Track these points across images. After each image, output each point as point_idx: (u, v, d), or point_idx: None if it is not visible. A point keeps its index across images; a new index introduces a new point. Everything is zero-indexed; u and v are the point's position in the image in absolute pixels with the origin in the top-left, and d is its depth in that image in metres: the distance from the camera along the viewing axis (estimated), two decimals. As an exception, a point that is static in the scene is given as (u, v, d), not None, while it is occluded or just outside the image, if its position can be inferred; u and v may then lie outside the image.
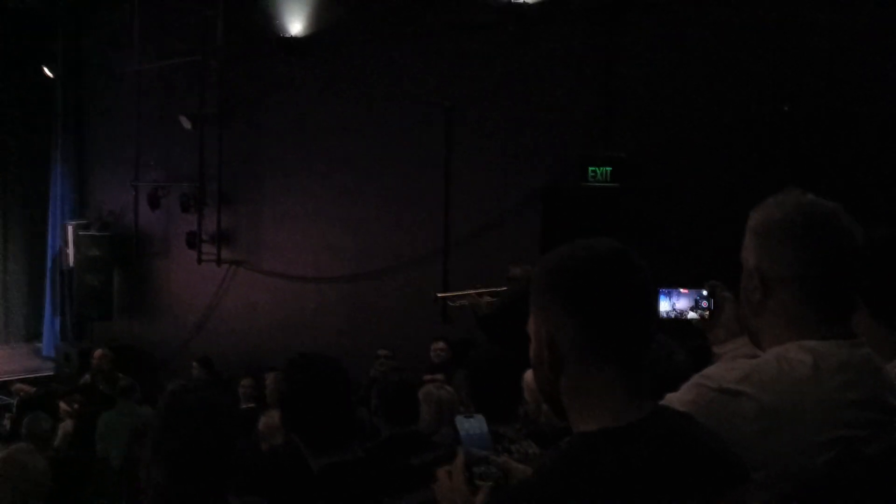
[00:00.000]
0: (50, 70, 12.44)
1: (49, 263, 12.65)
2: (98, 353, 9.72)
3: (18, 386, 9.22)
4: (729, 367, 1.69)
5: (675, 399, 1.64)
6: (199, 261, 10.64)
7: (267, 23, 9.84)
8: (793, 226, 1.66)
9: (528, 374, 3.28)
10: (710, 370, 1.70)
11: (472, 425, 1.69)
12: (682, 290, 2.07)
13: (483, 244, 8.15)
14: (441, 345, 7.50)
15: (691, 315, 2.06)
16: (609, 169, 7.13)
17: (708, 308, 2.06)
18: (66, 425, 7.39)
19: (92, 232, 11.90)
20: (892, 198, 5.66)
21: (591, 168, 7.18)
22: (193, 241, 10.68)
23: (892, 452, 1.49)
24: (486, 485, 1.60)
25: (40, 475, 3.03)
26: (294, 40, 9.69)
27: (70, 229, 11.92)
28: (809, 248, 1.64)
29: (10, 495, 3.06)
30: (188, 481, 2.07)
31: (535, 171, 7.86)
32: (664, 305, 2.03)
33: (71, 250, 11.82)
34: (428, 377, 6.20)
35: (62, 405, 7.78)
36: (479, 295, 6.51)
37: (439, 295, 6.98)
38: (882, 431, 1.57)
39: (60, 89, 12.39)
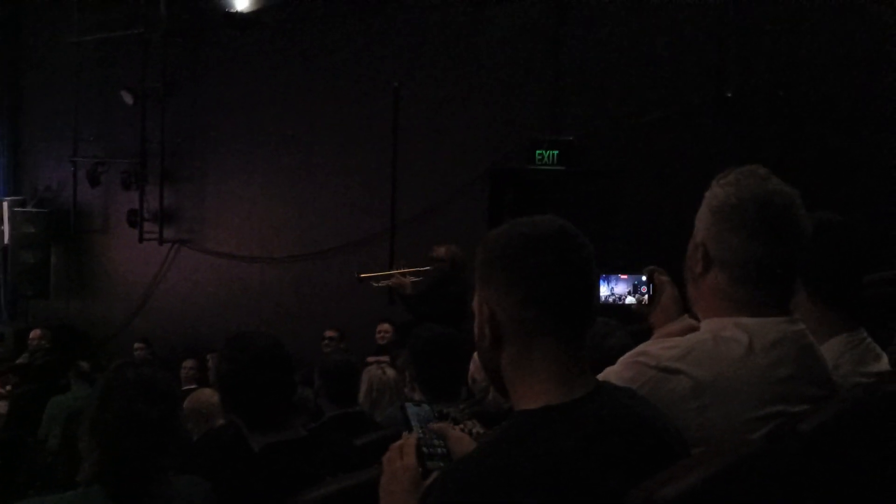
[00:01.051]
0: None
1: (-18, 241, 12.28)
2: (35, 332, 9.50)
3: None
4: (667, 344, 1.71)
5: (612, 374, 1.66)
6: (141, 239, 10.43)
7: (212, -5, 9.65)
8: (745, 214, 1.67)
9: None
10: (646, 347, 1.72)
11: (420, 412, 1.68)
12: (621, 275, 2.09)
13: (430, 225, 8.15)
14: (386, 326, 7.49)
15: (629, 300, 2.08)
16: (556, 152, 7.19)
17: (647, 293, 2.07)
18: (0, 406, 7.22)
19: (28, 208, 11.58)
20: (834, 181, 5.80)
21: (538, 151, 7.23)
22: (135, 218, 10.46)
23: (826, 427, 1.53)
24: (436, 465, 1.60)
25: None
26: (240, 15, 9.52)
27: (5, 206, 11.60)
28: (756, 240, 1.67)
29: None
30: (125, 459, 2.02)
31: (483, 153, 7.87)
32: (603, 290, 2.05)
33: (6, 227, 11.50)
34: (371, 359, 6.20)
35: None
36: (403, 275, 6.53)
37: (362, 276, 6.82)
38: (816, 406, 1.61)
39: (-5, 59, 12.01)
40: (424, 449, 1.61)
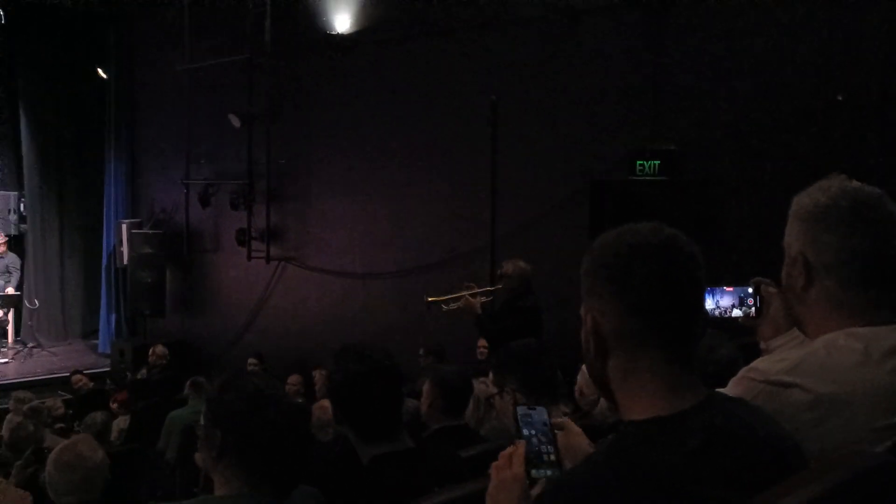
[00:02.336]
0: (103, 70, 12.70)
1: (104, 261, 12.91)
2: (157, 349, 9.90)
3: (77, 377, 9.41)
4: (776, 359, 1.67)
5: (724, 391, 1.62)
6: (249, 257, 10.77)
7: (314, 19, 9.92)
8: (839, 211, 1.64)
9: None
10: (756, 363, 1.69)
11: (533, 416, 1.68)
12: (726, 287, 2.04)
13: (530, 239, 8.12)
14: (484, 342, 7.49)
15: (736, 313, 2.03)
16: (657, 162, 7.06)
17: (754, 305, 2.02)
18: (121, 421, 7.54)
19: (145, 230, 12.12)
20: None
21: (639, 161, 7.12)
22: (243, 238, 10.81)
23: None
24: (544, 474, 1.60)
25: (99, 467, 3.08)
26: (340, 37, 9.76)
27: (124, 227, 12.15)
28: (855, 235, 1.62)
29: (68, 486, 3.11)
30: (252, 470, 2.06)
31: (583, 165, 7.81)
32: (708, 303, 2.00)
33: (125, 248, 12.03)
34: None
35: (111, 405, 7.91)
36: (473, 295, 6.48)
37: (431, 299, 6.65)
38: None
39: (113, 88, 12.63)
40: (533, 457, 1.61)
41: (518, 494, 1.59)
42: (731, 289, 2.02)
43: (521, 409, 1.66)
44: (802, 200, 1.70)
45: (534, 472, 1.57)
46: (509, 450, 1.63)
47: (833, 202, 1.65)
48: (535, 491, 1.58)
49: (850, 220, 1.63)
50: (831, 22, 6.39)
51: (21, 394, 7.50)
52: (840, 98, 6.25)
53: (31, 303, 12.59)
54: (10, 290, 12.00)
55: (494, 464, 1.64)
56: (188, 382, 7.66)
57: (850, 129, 6.30)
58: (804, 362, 1.59)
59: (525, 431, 1.63)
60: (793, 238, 1.71)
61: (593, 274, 1.45)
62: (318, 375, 7.91)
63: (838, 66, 6.38)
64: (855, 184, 1.67)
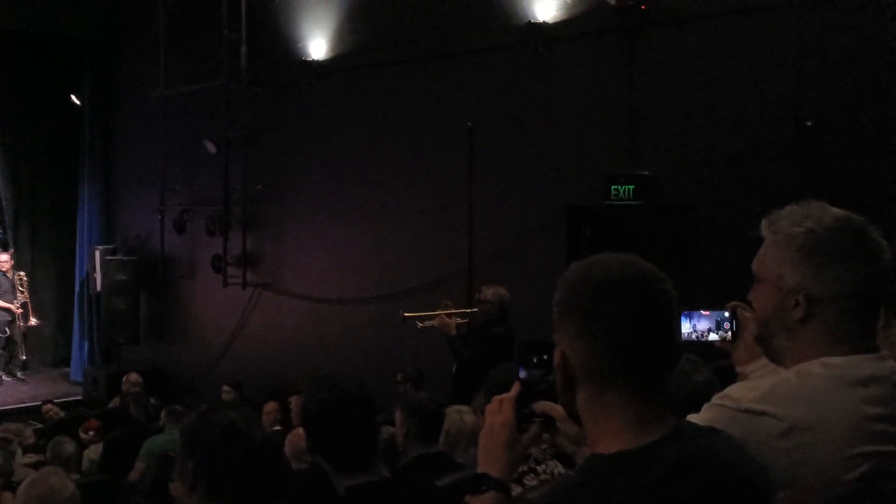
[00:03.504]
0: (77, 97, 12.63)
1: (77, 288, 12.76)
2: (131, 377, 9.77)
3: (47, 406, 9.26)
4: (749, 386, 1.68)
5: (696, 420, 1.62)
6: (225, 283, 10.70)
7: (290, 46, 9.95)
8: (839, 242, 1.63)
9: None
10: (729, 390, 1.68)
11: (532, 370, 1.70)
12: (703, 311, 2.05)
13: (507, 264, 8.14)
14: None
15: (712, 337, 2.04)
16: (632, 187, 7.14)
17: (730, 329, 2.03)
18: (92, 451, 7.41)
19: (119, 256, 12.00)
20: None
21: (613, 186, 7.19)
22: (219, 264, 10.74)
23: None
24: (535, 422, 1.62)
25: (70, 499, 3.03)
26: (317, 63, 9.79)
27: (97, 254, 12.02)
28: (862, 264, 1.62)
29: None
30: (227, 501, 2.05)
31: (559, 190, 7.86)
32: (685, 327, 2.02)
33: (98, 275, 11.91)
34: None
35: (81, 434, 7.79)
36: (449, 316, 6.50)
37: (407, 315, 6.73)
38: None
39: (88, 114, 12.56)
40: (524, 409, 1.62)
41: (504, 439, 1.63)
42: (707, 313, 2.03)
43: (519, 346, 1.68)
44: (791, 231, 1.67)
45: (526, 410, 1.62)
46: (501, 395, 1.65)
47: (828, 232, 1.63)
48: (529, 433, 1.63)
49: (854, 250, 1.63)
50: (803, 50, 6.50)
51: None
52: (810, 125, 6.34)
53: (1, 331, 12.40)
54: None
55: (488, 407, 1.66)
56: (164, 411, 7.57)
57: (821, 156, 6.39)
58: (776, 390, 1.59)
59: (522, 373, 1.65)
60: (786, 269, 1.67)
61: (562, 308, 1.45)
62: (295, 402, 7.82)
63: (810, 94, 6.48)
64: (843, 212, 1.66)
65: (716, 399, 1.65)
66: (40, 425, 8.96)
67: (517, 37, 8.10)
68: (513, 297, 6.77)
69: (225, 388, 9.24)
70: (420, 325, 6.74)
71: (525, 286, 7.58)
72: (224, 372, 10.54)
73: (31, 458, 6.73)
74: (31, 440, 7.32)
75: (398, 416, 3.87)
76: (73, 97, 12.62)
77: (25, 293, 12.03)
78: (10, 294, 11.85)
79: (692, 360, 2.71)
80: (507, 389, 1.69)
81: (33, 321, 12.09)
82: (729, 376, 2.57)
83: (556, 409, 1.62)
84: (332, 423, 2.41)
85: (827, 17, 6.47)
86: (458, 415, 4.19)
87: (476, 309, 6.72)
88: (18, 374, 12.04)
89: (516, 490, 2.09)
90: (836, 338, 1.63)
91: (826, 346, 1.64)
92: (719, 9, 7.02)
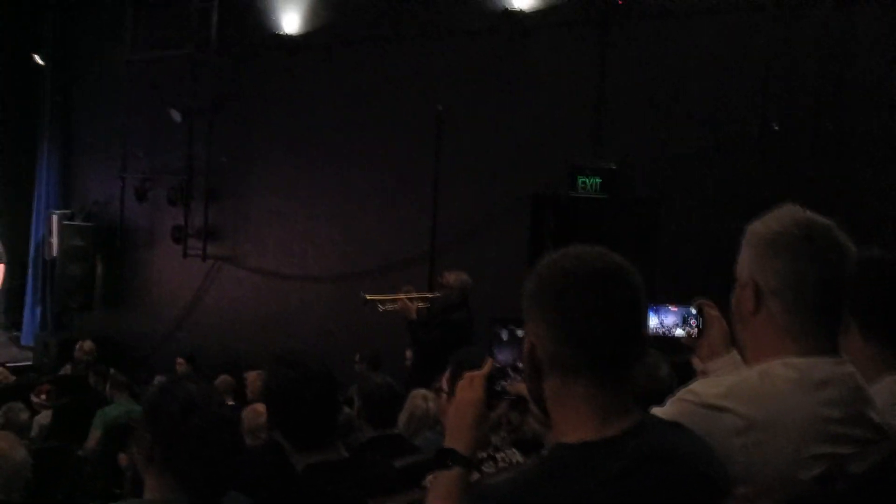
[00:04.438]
0: (39, 57, 12.35)
1: (32, 252, 12.52)
2: (85, 344, 9.63)
3: (-1, 369, 9.11)
4: (712, 382, 1.71)
5: (659, 413, 1.65)
6: (185, 255, 10.59)
7: (262, 18, 9.83)
8: (790, 238, 1.67)
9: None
10: (693, 386, 1.71)
11: (506, 337, 1.71)
12: (670, 306, 2.08)
13: (470, 249, 8.17)
14: (409, 353, 7.49)
15: (678, 332, 2.07)
16: (598, 180, 7.18)
17: (696, 325, 2.06)
18: (43, 417, 7.32)
19: (76, 222, 11.81)
20: (883, 217, 5.72)
21: (580, 178, 7.22)
22: (179, 235, 10.63)
23: (878, 470, 1.51)
24: (506, 399, 1.64)
25: (21, 466, 2.99)
26: (288, 37, 9.68)
27: (54, 218, 11.81)
28: (804, 261, 1.66)
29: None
30: (199, 476, 2.05)
31: (525, 179, 7.88)
32: (652, 321, 2.04)
33: (55, 239, 11.71)
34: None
35: (33, 397, 7.69)
36: (410, 300, 6.53)
37: (368, 297, 6.74)
38: (867, 449, 1.59)
39: (49, 76, 12.28)
40: (495, 386, 1.65)
41: (473, 416, 1.65)
42: (675, 308, 2.05)
43: (496, 329, 1.69)
44: (756, 228, 1.73)
45: (499, 385, 1.65)
46: (472, 373, 1.67)
47: (785, 229, 1.68)
48: (497, 411, 1.67)
49: (800, 246, 1.66)
50: (771, 53, 6.59)
51: None
52: (776, 128, 6.44)
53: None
54: None
55: (459, 384, 1.68)
56: (108, 382, 7.49)
57: (786, 157, 6.49)
58: (738, 388, 1.62)
59: (497, 356, 1.66)
60: (744, 263, 1.74)
61: (531, 298, 1.46)
62: (250, 378, 7.79)
63: (776, 96, 6.58)
64: (808, 213, 1.71)
65: (680, 394, 1.67)
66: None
67: (493, 23, 8.09)
68: (474, 282, 6.81)
69: (179, 360, 9.16)
70: (381, 308, 6.75)
71: (487, 272, 7.62)
72: (179, 344, 10.44)
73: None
74: None
75: (355, 397, 3.89)
76: (35, 56, 12.32)
77: None
78: None
79: (654, 354, 2.75)
80: (471, 368, 1.71)
81: None
82: (685, 372, 2.61)
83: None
84: (292, 401, 2.41)
85: (795, 22, 6.56)
86: (422, 400, 4.20)
87: (437, 294, 6.74)
88: None
89: (474, 476, 2.10)
90: (785, 332, 1.67)
91: (776, 340, 1.68)
92: (692, 8, 7.09)
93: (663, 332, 2.07)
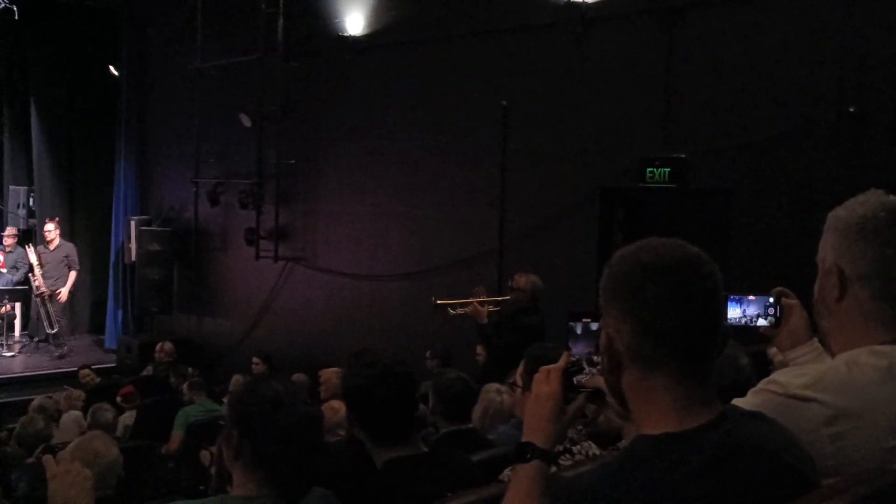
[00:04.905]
0: (114, 68, 12.74)
1: (112, 257, 12.94)
2: (165, 345, 9.91)
3: (84, 371, 9.44)
4: (797, 372, 1.68)
5: (743, 404, 1.63)
6: (257, 257, 10.80)
7: (327, 21, 9.95)
8: (877, 222, 1.64)
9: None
10: (777, 376, 1.69)
11: (580, 330, 1.72)
12: (749, 296, 2.05)
13: (539, 245, 8.13)
14: (480, 349, 7.48)
15: (761, 322, 2.04)
16: (668, 170, 7.08)
17: (775, 314, 2.03)
18: (127, 416, 7.57)
19: (153, 227, 12.15)
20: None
21: (649, 169, 7.13)
22: (252, 237, 10.84)
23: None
24: (583, 391, 1.64)
25: (114, 463, 3.10)
26: (354, 38, 9.79)
27: (132, 224, 12.18)
28: (893, 245, 1.63)
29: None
30: (286, 473, 2.10)
31: (593, 172, 7.82)
32: (736, 312, 2.02)
33: (133, 245, 12.06)
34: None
35: (118, 398, 7.97)
36: (481, 303, 6.48)
37: (439, 302, 6.73)
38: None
39: (125, 87, 12.67)
40: (572, 379, 1.64)
41: (550, 409, 1.66)
42: (753, 298, 2.03)
43: (572, 325, 1.70)
44: (839, 213, 1.71)
45: (576, 378, 1.64)
46: (549, 366, 1.68)
47: (872, 213, 1.65)
48: (574, 405, 1.66)
49: (888, 231, 1.63)
50: (845, 35, 6.39)
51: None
52: (852, 111, 6.25)
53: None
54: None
55: (535, 377, 1.69)
56: (185, 384, 7.70)
57: (862, 143, 6.31)
58: (825, 377, 1.60)
59: (571, 344, 1.67)
60: (827, 250, 1.71)
61: (609, 291, 1.46)
62: (325, 376, 7.91)
63: (852, 78, 6.38)
64: (893, 198, 1.68)
65: (763, 384, 1.66)
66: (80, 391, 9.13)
67: (555, 16, 8.03)
68: (543, 277, 6.78)
69: (255, 359, 9.35)
70: (452, 312, 6.75)
71: (556, 267, 7.59)
72: (254, 344, 10.65)
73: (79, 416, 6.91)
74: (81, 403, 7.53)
75: (430, 394, 3.93)
76: (111, 68, 12.72)
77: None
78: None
79: (733, 345, 2.71)
80: (547, 363, 1.71)
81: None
82: (761, 362, 2.58)
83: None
84: (372, 398, 2.45)
85: (872, 3, 6.36)
86: (496, 394, 4.22)
87: (508, 297, 6.70)
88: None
89: (551, 470, 2.11)
90: (871, 319, 1.64)
91: (863, 327, 1.65)
92: (761, -9, 6.93)
93: (745, 322, 2.05)
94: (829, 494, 1.34)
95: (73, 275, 11.88)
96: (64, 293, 11.73)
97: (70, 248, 12.05)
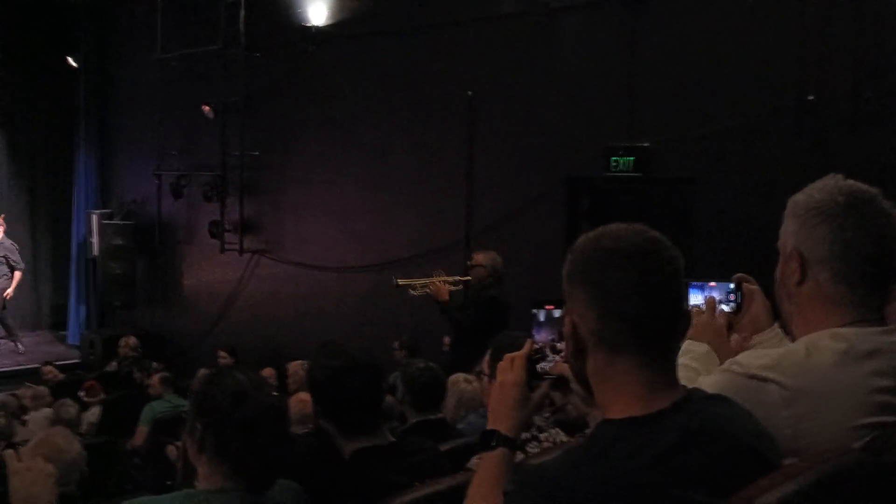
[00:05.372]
0: (73, 59, 12.54)
1: (74, 252, 12.76)
2: (129, 340, 9.80)
3: (47, 368, 9.31)
4: (758, 353, 1.70)
5: (705, 384, 1.65)
6: (222, 250, 10.71)
7: (290, 11, 9.86)
8: (834, 205, 1.67)
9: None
10: (738, 357, 1.71)
11: (543, 318, 1.73)
12: (710, 283, 2.07)
13: (506, 234, 8.15)
14: (447, 339, 7.51)
15: (724, 308, 2.06)
16: (632, 159, 7.13)
17: (735, 301, 2.05)
18: (91, 413, 7.49)
19: (115, 221, 11.99)
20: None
21: (613, 158, 7.18)
22: (216, 230, 10.74)
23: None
24: (547, 378, 1.65)
25: (77, 459, 3.07)
26: (316, 29, 9.71)
27: (94, 218, 12.00)
28: (849, 228, 1.65)
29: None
30: (233, 465, 2.08)
31: (558, 161, 7.85)
32: (697, 299, 2.04)
33: (95, 239, 11.90)
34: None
35: (80, 394, 7.88)
36: (442, 282, 6.52)
37: (400, 282, 6.74)
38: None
39: (84, 78, 12.47)
40: (537, 366, 1.66)
41: (515, 397, 1.67)
42: (714, 284, 2.05)
43: (535, 311, 1.71)
44: (798, 199, 1.73)
45: (539, 366, 1.65)
46: (512, 353, 1.68)
47: (829, 197, 1.68)
48: (539, 392, 1.67)
49: (845, 213, 1.66)
50: (805, 23, 6.48)
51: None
52: (812, 99, 6.34)
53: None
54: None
55: (499, 364, 1.70)
56: (157, 377, 7.62)
57: (822, 131, 6.40)
58: (784, 359, 1.62)
59: (535, 332, 1.67)
60: (788, 235, 1.73)
61: (572, 277, 1.47)
62: (292, 368, 7.88)
63: (812, 68, 6.47)
64: (851, 182, 1.70)
65: (724, 365, 1.68)
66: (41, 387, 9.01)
67: (518, 6, 8.05)
68: (510, 266, 6.80)
69: (221, 353, 9.29)
70: (413, 291, 6.77)
71: (523, 257, 7.62)
72: (220, 338, 10.56)
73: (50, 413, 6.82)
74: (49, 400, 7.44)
75: (398, 383, 3.93)
76: (69, 59, 12.51)
77: None
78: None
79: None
80: (512, 351, 1.72)
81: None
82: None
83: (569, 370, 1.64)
84: (338, 388, 2.45)
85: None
86: (466, 384, 4.23)
87: (469, 276, 6.75)
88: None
89: (519, 457, 2.12)
90: (831, 302, 1.66)
91: (823, 311, 1.67)
92: (723, -19, 6.99)
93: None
94: (792, 474, 1.36)
95: (17, 275, 11.59)
96: (9, 292, 11.49)
97: (10, 246, 11.66)
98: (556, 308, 1.71)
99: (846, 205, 1.66)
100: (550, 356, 1.70)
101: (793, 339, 1.78)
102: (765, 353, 1.67)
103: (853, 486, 1.40)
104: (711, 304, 1.97)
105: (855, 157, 6.00)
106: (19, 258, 11.67)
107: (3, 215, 11.77)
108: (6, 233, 11.71)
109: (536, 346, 1.70)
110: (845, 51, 6.37)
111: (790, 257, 1.72)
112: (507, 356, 1.70)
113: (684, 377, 1.53)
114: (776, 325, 1.98)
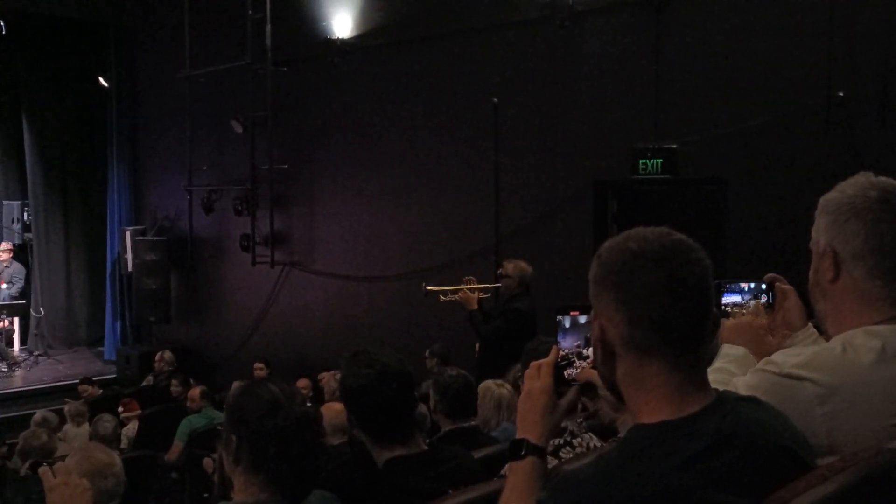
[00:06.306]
0: (104, 79, 12.73)
1: (109, 268, 12.93)
2: (165, 354, 9.89)
3: (84, 387, 9.43)
4: (792, 352, 1.68)
5: (740, 384, 1.64)
6: (254, 263, 10.79)
7: (315, 24, 9.95)
8: (867, 200, 1.65)
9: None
10: (773, 356, 1.69)
11: (568, 324, 1.72)
12: (742, 283, 2.05)
13: (534, 240, 8.15)
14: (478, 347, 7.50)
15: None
16: (660, 161, 7.09)
17: (768, 301, 2.04)
18: (130, 428, 7.56)
19: (149, 237, 12.14)
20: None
21: (641, 160, 7.14)
22: (247, 243, 10.83)
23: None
24: (574, 385, 1.64)
25: (117, 474, 3.10)
26: (341, 41, 9.78)
27: (128, 234, 12.16)
28: (884, 222, 1.63)
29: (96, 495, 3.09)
30: (268, 476, 2.09)
31: (585, 165, 7.83)
32: (732, 300, 2.02)
33: (129, 255, 12.05)
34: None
35: (119, 409, 7.96)
36: (471, 290, 6.51)
37: (429, 288, 6.76)
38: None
39: (115, 97, 12.66)
40: (564, 372, 1.65)
41: (543, 404, 1.65)
42: (746, 286, 2.03)
43: (563, 320, 1.70)
44: (829, 196, 1.71)
45: (566, 372, 1.65)
46: (539, 361, 1.67)
47: (861, 192, 1.66)
48: (567, 398, 1.66)
49: (878, 208, 1.64)
50: (833, 18, 6.41)
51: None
52: (841, 95, 6.27)
53: (36, 311, 12.61)
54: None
55: (526, 372, 1.69)
56: (197, 393, 7.67)
57: (852, 127, 6.32)
58: (819, 357, 1.60)
59: (561, 343, 1.67)
60: (820, 233, 1.72)
61: (599, 281, 1.45)
62: (325, 378, 7.92)
63: (840, 63, 6.40)
64: (882, 178, 1.69)
65: (761, 364, 1.66)
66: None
67: (541, 11, 8.05)
68: (540, 272, 6.79)
69: (257, 365, 9.36)
70: (443, 298, 6.78)
71: (552, 262, 7.60)
72: (253, 350, 10.65)
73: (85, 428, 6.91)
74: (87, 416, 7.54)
75: (431, 392, 3.93)
76: (100, 79, 12.71)
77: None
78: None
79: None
80: (539, 358, 1.71)
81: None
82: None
83: (596, 376, 1.64)
84: (371, 398, 2.44)
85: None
86: (498, 388, 4.22)
87: (499, 284, 6.74)
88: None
89: (552, 462, 2.12)
90: (866, 297, 1.64)
91: (857, 308, 1.65)
92: (747, -21, 6.94)
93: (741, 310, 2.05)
94: (827, 475, 1.34)
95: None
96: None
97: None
98: (582, 314, 1.70)
99: (879, 199, 1.64)
100: (577, 362, 1.69)
101: (827, 339, 1.76)
102: (799, 352, 1.65)
103: (889, 487, 1.38)
104: (758, 308, 1.97)
105: (886, 153, 5.93)
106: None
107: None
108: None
109: (563, 353, 1.70)
110: (874, 46, 6.30)
111: (823, 255, 1.71)
112: (534, 363, 1.69)
113: (720, 380, 1.51)
114: (810, 324, 1.96)
